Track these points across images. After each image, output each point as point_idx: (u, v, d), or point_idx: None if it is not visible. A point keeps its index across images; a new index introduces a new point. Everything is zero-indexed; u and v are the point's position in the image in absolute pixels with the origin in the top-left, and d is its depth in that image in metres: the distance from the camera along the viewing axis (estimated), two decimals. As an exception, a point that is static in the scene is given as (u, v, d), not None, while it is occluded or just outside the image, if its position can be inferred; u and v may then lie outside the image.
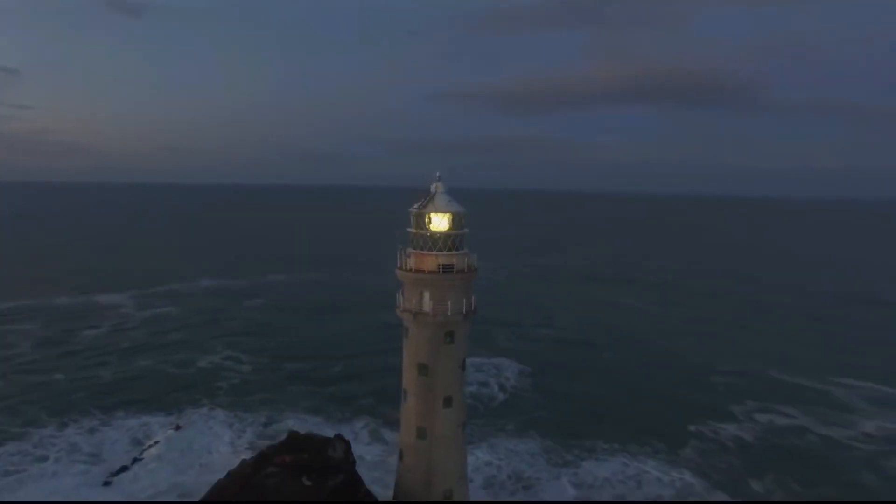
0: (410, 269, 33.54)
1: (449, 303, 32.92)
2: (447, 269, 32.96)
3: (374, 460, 62.14)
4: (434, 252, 33.21)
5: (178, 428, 69.02)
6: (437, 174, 34.64)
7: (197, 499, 56.33)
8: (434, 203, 34.16)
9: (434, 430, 33.85)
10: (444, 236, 34.01)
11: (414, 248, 34.33)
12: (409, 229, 34.97)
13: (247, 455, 64.75)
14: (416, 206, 34.65)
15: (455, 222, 34.21)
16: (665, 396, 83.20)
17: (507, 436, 68.95)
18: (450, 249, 33.80)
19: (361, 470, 49.71)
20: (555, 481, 59.35)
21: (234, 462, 63.34)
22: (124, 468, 59.79)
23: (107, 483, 57.47)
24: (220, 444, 66.38)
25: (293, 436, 38.92)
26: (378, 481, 53.42)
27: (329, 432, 66.41)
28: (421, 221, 34.43)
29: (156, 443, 65.06)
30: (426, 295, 32.99)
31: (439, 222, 34.32)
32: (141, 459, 61.55)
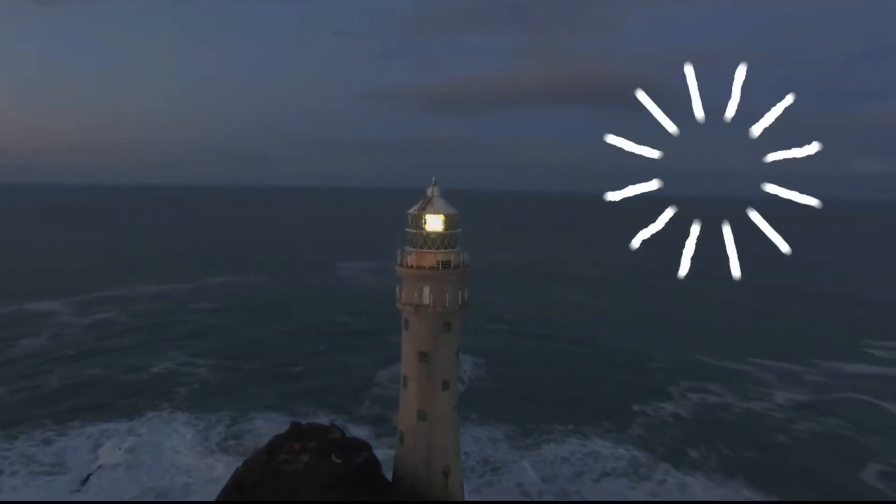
0: (412, 266, 36.76)
1: (447, 296, 36.43)
2: (445, 265, 36.46)
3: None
4: (433, 250, 36.62)
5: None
6: (433, 178, 38.09)
7: (176, 499, 56.87)
8: (431, 205, 37.54)
9: (434, 412, 37.20)
10: (440, 236, 37.50)
11: (413, 247, 37.55)
12: (407, 229, 38.14)
13: (218, 455, 65.50)
14: (414, 208, 37.89)
15: (449, 223, 37.75)
16: (609, 381, 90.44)
17: (471, 424, 72.98)
18: (445, 248, 37.31)
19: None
20: (519, 462, 64.19)
21: (205, 464, 64.10)
22: (90, 476, 58.92)
23: (76, 491, 56.49)
24: (187, 445, 66.33)
25: (295, 425, 40.97)
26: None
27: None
28: (418, 222, 37.70)
29: (120, 448, 64.18)
30: (426, 289, 36.30)
31: (435, 223, 37.74)
32: (108, 466, 60.70)
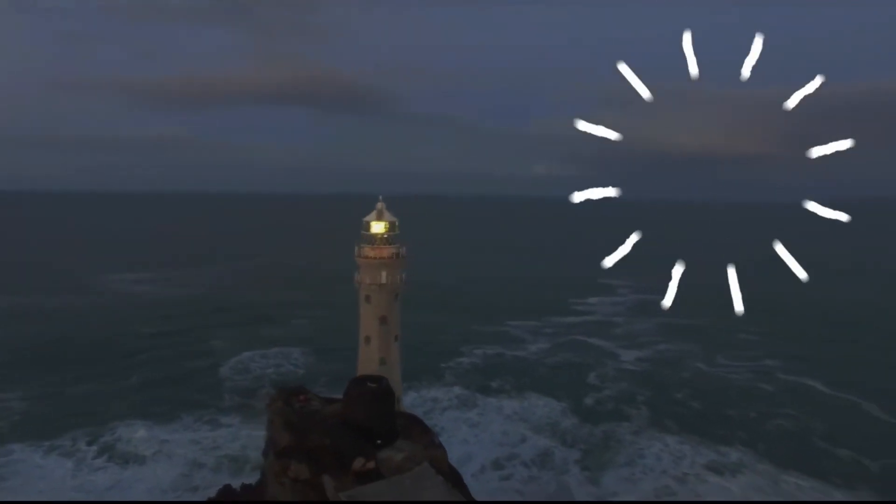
0: (374, 257, 51.97)
1: (397, 277, 52.88)
2: (397, 256, 52.78)
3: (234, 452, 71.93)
4: (382, 245, 52.68)
5: None
6: (380, 196, 54.04)
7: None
8: (373, 215, 53.59)
9: (390, 358, 52.86)
10: (381, 236, 53.71)
11: (368, 244, 52.85)
12: (362, 231, 53.30)
13: (104, 470, 65.91)
14: (366, 217, 53.44)
15: (389, 227, 54.13)
16: (421, 351, 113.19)
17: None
18: (388, 244, 53.63)
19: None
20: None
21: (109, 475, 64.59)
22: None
23: None
24: (68, 474, 65.27)
25: (281, 389, 51.35)
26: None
27: (163, 433, 74.08)
28: (367, 227, 53.35)
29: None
30: (384, 273, 52.05)
31: (378, 227, 53.81)
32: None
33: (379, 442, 42.28)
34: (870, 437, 75.76)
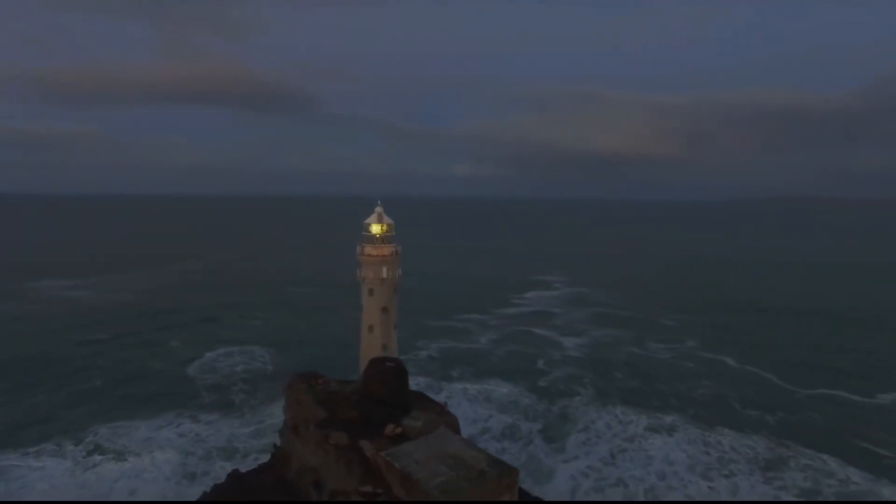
0: (376, 255, 58.55)
1: (395, 272, 59.84)
2: (395, 253, 59.69)
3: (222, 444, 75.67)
4: (382, 245, 59.50)
5: None
6: (378, 201, 60.77)
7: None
8: (374, 217, 60.36)
9: (390, 344, 59.60)
10: (380, 236, 60.54)
11: (369, 244, 59.44)
12: (363, 232, 59.83)
13: (102, 465, 67.93)
14: (366, 220, 60.06)
15: (387, 229, 61.01)
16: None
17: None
18: (385, 243, 60.48)
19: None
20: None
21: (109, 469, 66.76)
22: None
23: None
24: (67, 471, 66.66)
25: (298, 374, 56.52)
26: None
27: (147, 430, 76.80)
28: (368, 228, 60.04)
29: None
30: (385, 268, 58.84)
31: (376, 228, 60.61)
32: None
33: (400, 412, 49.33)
34: (770, 399, 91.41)
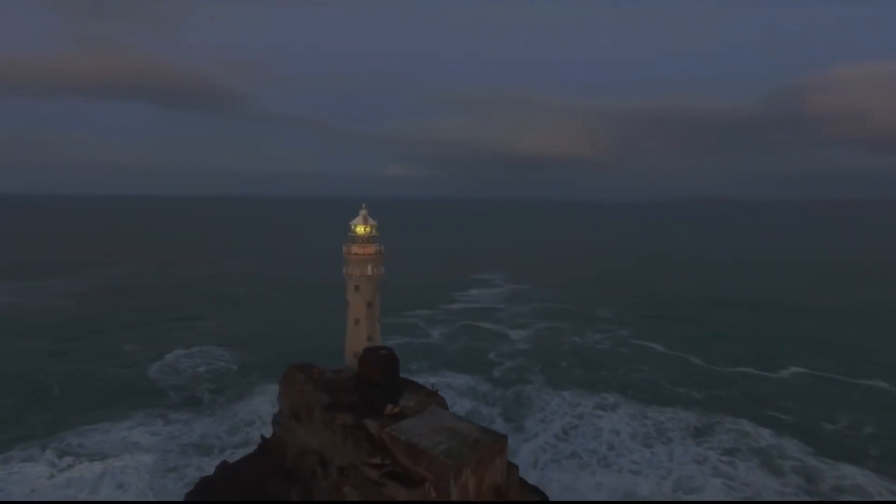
0: (362, 254, 63.58)
1: (379, 270, 65.22)
2: (378, 252, 64.99)
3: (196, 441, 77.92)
4: (367, 244, 64.72)
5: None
6: (363, 204, 65.87)
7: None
8: (359, 219, 65.48)
9: (374, 335, 64.73)
10: (364, 236, 65.77)
11: (355, 244, 64.44)
12: (349, 233, 64.75)
13: (78, 467, 68.68)
14: (352, 221, 65.04)
15: (370, 229, 66.25)
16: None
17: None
18: (370, 243, 65.76)
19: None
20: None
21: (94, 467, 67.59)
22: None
23: None
24: (46, 471, 67.08)
25: (293, 365, 60.33)
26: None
27: (116, 433, 78.21)
28: (353, 229, 65.14)
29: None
30: (370, 266, 64.04)
31: (362, 229, 65.83)
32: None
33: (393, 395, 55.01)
34: (695, 378, 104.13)
